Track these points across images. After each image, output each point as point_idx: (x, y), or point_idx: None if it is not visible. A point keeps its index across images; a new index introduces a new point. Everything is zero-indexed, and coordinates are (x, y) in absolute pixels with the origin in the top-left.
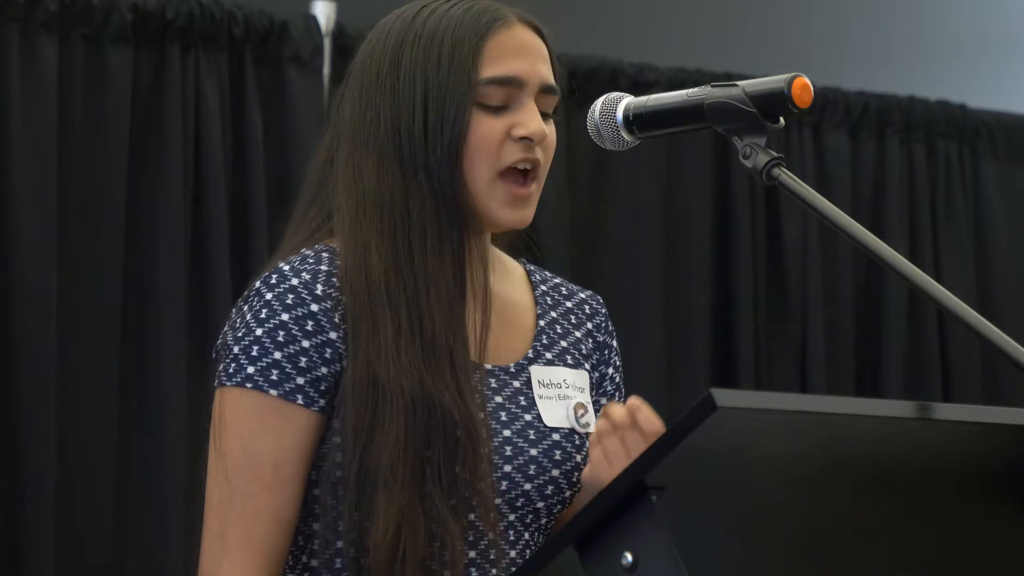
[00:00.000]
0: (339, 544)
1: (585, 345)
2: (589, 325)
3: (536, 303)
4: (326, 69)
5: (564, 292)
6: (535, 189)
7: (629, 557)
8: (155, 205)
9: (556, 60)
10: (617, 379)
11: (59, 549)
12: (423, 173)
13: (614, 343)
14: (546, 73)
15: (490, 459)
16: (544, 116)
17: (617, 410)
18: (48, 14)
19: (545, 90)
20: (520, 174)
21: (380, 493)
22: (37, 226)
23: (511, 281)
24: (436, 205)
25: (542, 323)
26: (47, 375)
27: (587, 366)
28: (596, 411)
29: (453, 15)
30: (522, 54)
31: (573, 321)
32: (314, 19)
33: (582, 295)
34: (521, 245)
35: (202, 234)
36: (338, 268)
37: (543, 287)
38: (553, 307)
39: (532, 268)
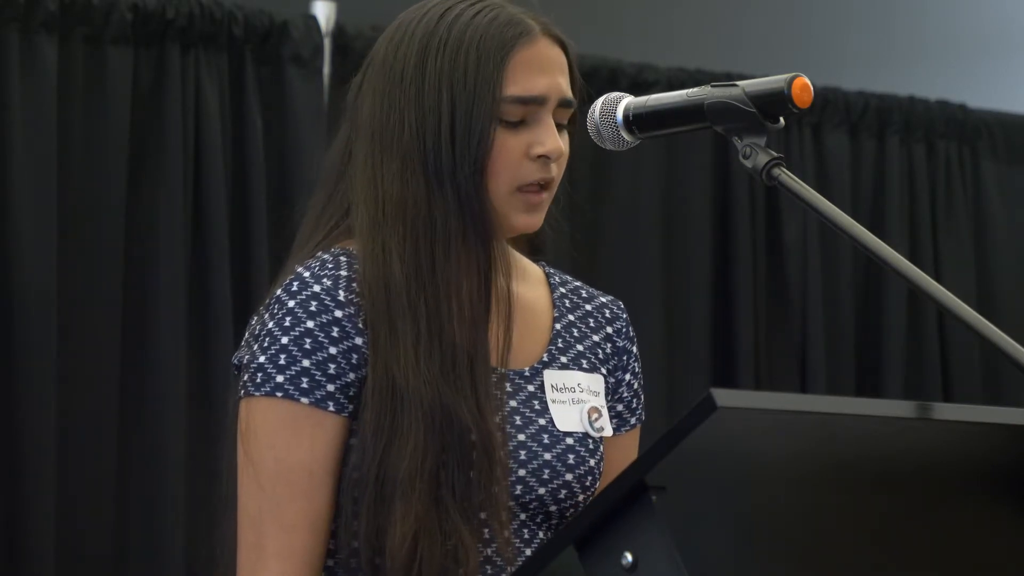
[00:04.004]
0: (355, 544)
1: (602, 349)
2: (608, 329)
3: (553, 306)
4: (326, 69)
5: (584, 295)
6: (547, 196)
7: (629, 557)
8: (155, 205)
9: (576, 70)
10: (636, 385)
11: (59, 549)
12: (449, 184)
13: (634, 349)
14: (565, 87)
15: (506, 470)
16: (559, 127)
17: None
18: (48, 14)
19: (563, 104)
20: (536, 186)
21: (398, 502)
22: (37, 226)
23: (528, 283)
24: (463, 216)
25: (558, 326)
26: (47, 375)
27: (603, 370)
28: (612, 416)
29: (479, 24)
30: (544, 71)
31: (591, 325)
32: (314, 19)
33: (603, 299)
34: (539, 246)
35: (202, 234)
36: (356, 271)
37: (562, 290)
38: (571, 310)
39: (551, 271)
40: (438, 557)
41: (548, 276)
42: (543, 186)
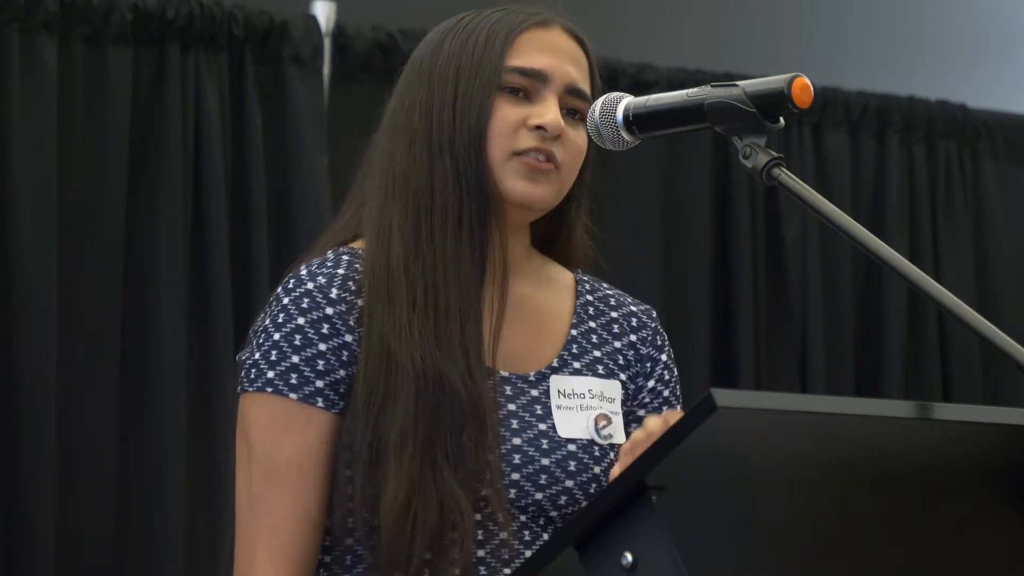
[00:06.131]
0: (348, 541)
1: (624, 356)
2: (633, 337)
3: (574, 312)
4: (326, 69)
5: (612, 303)
6: (553, 170)
7: (629, 557)
8: (155, 205)
9: (596, 73)
10: (666, 393)
11: (59, 549)
12: (448, 153)
13: (662, 357)
14: (575, 75)
15: (497, 437)
16: (572, 118)
17: (653, 420)
18: (48, 14)
19: (571, 91)
20: (537, 154)
21: (391, 462)
22: (37, 226)
23: (550, 290)
24: (458, 184)
25: (575, 332)
26: (47, 375)
27: (623, 377)
28: (632, 421)
29: (495, 15)
30: (551, 52)
31: (615, 331)
32: (314, 19)
33: (632, 307)
34: (583, 259)
35: (202, 234)
36: (356, 271)
37: (588, 297)
38: (594, 317)
39: (585, 279)
40: (432, 518)
41: (578, 283)
42: (544, 156)
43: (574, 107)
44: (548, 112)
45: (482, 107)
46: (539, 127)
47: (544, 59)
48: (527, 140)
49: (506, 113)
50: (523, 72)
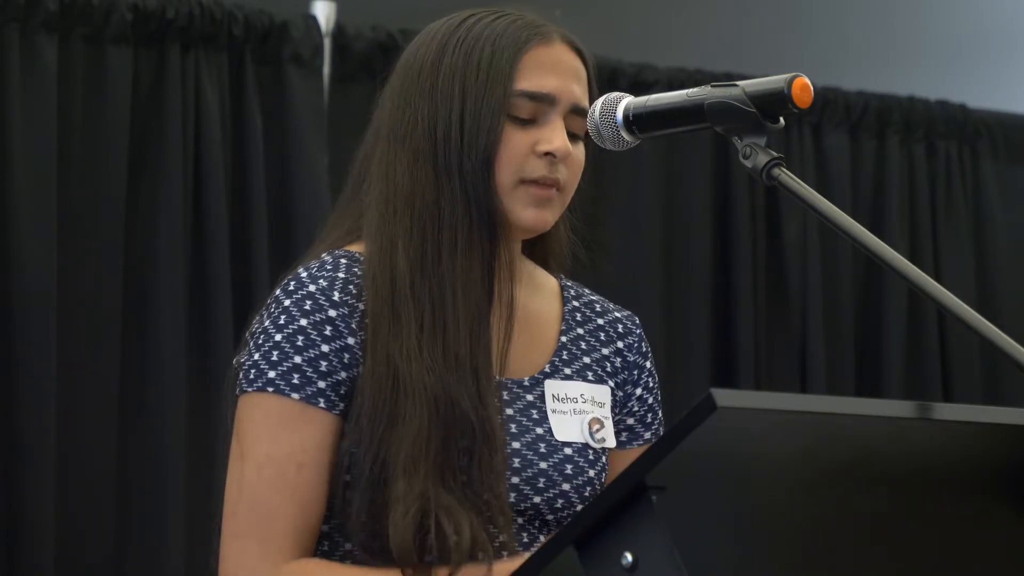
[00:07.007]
0: (347, 546)
1: (612, 363)
2: (620, 344)
3: (563, 319)
4: (326, 69)
5: (598, 309)
6: (557, 195)
7: (629, 557)
8: (155, 205)
9: (595, 85)
10: (650, 400)
11: (59, 549)
12: (457, 176)
13: (647, 364)
14: (578, 94)
15: (504, 461)
16: (573, 137)
17: None
18: (48, 14)
19: (575, 111)
20: (542, 182)
21: (400, 481)
22: (37, 226)
23: (539, 295)
24: (468, 209)
25: (564, 339)
26: (47, 375)
27: (611, 383)
28: (622, 430)
29: (497, 26)
30: (557, 72)
31: (602, 338)
32: (314, 19)
33: (617, 314)
34: (570, 262)
35: (202, 234)
36: (355, 275)
37: (575, 303)
38: (582, 323)
39: (569, 284)
40: (441, 537)
41: (563, 289)
42: (551, 184)
43: (578, 127)
44: (556, 138)
45: (491, 133)
46: (548, 153)
47: (551, 81)
48: (535, 168)
49: (514, 140)
50: (532, 96)
